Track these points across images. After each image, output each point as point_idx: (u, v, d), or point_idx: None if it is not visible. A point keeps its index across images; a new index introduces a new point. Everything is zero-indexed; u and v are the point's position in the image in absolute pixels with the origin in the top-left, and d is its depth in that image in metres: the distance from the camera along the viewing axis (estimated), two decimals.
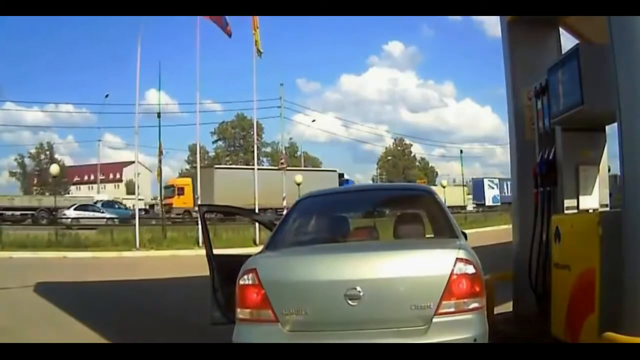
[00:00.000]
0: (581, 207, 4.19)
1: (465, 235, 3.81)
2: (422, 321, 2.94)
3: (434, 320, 2.93)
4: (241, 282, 3.13)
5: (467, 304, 2.99)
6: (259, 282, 3.09)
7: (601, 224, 3.30)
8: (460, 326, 2.96)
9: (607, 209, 4.21)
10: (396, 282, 3.02)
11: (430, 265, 3.07)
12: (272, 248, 3.65)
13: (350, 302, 2.94)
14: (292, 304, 3.06)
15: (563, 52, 4.68)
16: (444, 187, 38.17)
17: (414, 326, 2.94)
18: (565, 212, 4.18)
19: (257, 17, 18.62)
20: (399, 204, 4.63)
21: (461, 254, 3.04)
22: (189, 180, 38.21)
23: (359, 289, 2.94)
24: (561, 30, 5.30)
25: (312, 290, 3.07)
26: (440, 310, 2.94)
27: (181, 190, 37.23)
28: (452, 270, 2.97)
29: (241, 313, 3.14)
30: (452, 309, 2.96)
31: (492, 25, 61.54)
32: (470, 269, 3.00)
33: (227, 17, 17.95)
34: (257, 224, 19.40)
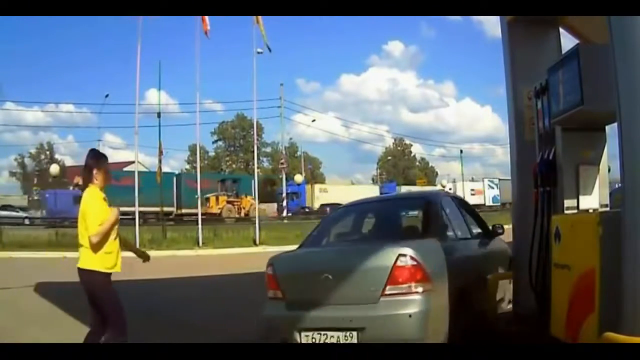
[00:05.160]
0: (581, 207, 4.19)
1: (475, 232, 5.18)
2: (373, 300, 3.88)
3: (381, 299, 3.86)
4: (267, 272, 4.37)
5: (409, 288, 3.83)
6: (274, 273, 4.31)
7: (601, 224, 3.30)
8: (399, 304, 3.82)
9: (607, 209, 4.21)
10: (354, 271, 4.02)
11: (379, 258, 3.99)
12: (299, 247, 4.89)
13: (324, 285, 3.98)
14: (292, 287, 4.23)
15: (563, 52, 4.68)
16: (443, 187, 38.14)
17: (368, 303, 3.89)
18: (565, 212, 4.18)
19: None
20: (401, 210, 5.53)
21: (404, 250, 3.89)
22: None
23: (330, 276, 3.99)
24: (561, 30, 5.29)
25: (302, 277, 4.25)
26: (385, 292, 3.85)
27: None
28: (395, 262, 3.85)
29: (268, 293, 4.34)
30: (395, 292, 3.84)
31: (492, 25, 61.65)
32: (410, 262, 3.85)
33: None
34: (257, 224, 19.46)
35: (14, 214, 32.29)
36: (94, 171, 3.93)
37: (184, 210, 34.73)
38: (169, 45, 73.06)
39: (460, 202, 5.89)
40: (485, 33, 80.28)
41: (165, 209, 33.31)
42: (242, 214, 36.78)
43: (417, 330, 3.79)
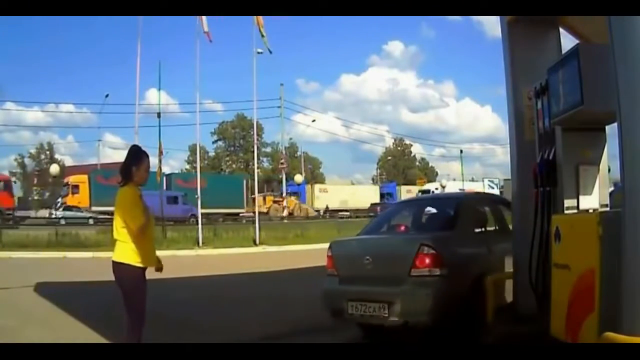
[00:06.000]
0: (581, 207, 4.19)
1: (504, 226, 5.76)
2: (401, 279, 4.76)
3: (406, 280, 4.73)
4: (327, 253, 5.39)
5: (428, 272, 4.66)
6: (332, 254, 5.36)
7: (601, 224, 3.30)
8: (420, 285, 4.68)
9: (607, 209, 4.21)
10: (388, 255, 5.00)
11: (407, 246, 4.92)
12: (356, 235, 6.01)
13: (365, 266, 4.92)
14: (344, 266, 5.23)
15: (563, 52, 4.67)
16: (443, 187, 38.11)
17: (397, 282, 4.75)
18: (565, 212, 4.18)
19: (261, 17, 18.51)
20: (437, 207, 6.29)
21: (425, 241, 4.77)
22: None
23: (370, 258, 4.93)
24: (561, 30, 5.29)
25: (349, 258, 5.26)
26: (411, 274, 4.71)
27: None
28: (418, 250, 4.70)
29: (328, 271, 5.36)
30: (418, 274, 4.70)
31: (492, 25, 61.50)
32: (430, 250, 4.67)
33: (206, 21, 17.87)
34: (257, 224, 19.44)
35: (79, 214, 31.89)
36: (133, 169, 3.94)
37: None
38: (169, 45, 72.83)
39: (503, 202, 6.53)
40: (485, 33, 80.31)
41: None
42: (287, 213, 39.60)
43: (432, 307, 4.55)
